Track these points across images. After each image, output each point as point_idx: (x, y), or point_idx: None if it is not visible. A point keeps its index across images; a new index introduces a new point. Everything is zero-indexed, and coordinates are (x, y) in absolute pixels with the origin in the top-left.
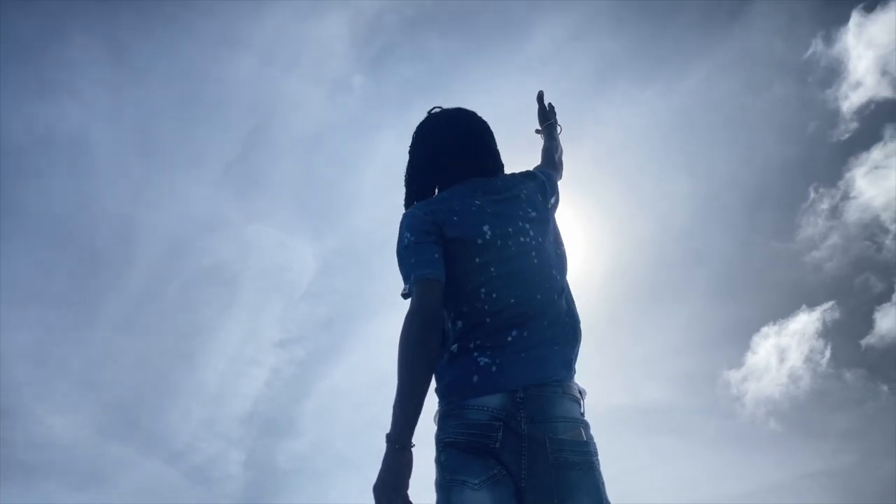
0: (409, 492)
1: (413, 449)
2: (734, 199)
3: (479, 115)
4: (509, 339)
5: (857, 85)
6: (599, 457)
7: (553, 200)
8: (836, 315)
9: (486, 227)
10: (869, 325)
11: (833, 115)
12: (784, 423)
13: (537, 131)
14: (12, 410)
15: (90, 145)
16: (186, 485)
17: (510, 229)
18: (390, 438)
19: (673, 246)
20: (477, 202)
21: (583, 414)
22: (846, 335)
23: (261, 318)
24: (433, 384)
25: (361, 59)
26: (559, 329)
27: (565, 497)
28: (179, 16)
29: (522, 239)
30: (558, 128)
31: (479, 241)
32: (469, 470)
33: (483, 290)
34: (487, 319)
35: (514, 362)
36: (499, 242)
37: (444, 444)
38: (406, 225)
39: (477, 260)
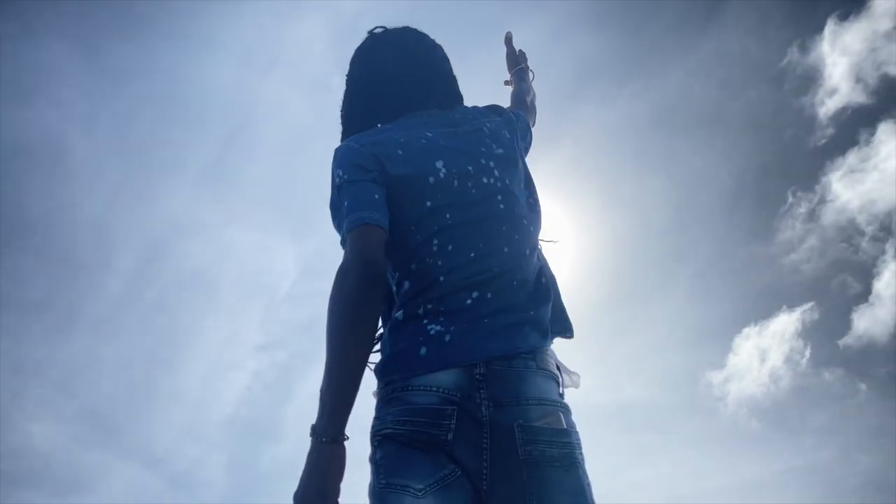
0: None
1: (347, 443)
2: (712, 198)
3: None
4: (468, 301)
5: (833, 91)
6: (583, 450)
7: (524, 144)
8: (816, 316)
9: (439, 164)
10: (847, 325)
11: (810, 122)
12: (765, 422)
13: (506, 82)
14: None
15: (66, 149)
16: (168, 490)
17: (470, 167)
18: (316, 430)
19: (652, 245)
20: (428, 134)
21: (562, 395)
22: (825, 335)
23: (241, 322)
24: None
25: (340, 60)
26: (531, 289)
27: (541, 502)
28: (155, 18)
29: (486, 179)
30: (530, 73)
31: (431, 180)
32: (412, 471)
33: (436, 241)
34: (441, 278)
35: (473, 330)
36: (456, 183)
37: (381, 438)
38: (337, 161)
39: (428, 204)
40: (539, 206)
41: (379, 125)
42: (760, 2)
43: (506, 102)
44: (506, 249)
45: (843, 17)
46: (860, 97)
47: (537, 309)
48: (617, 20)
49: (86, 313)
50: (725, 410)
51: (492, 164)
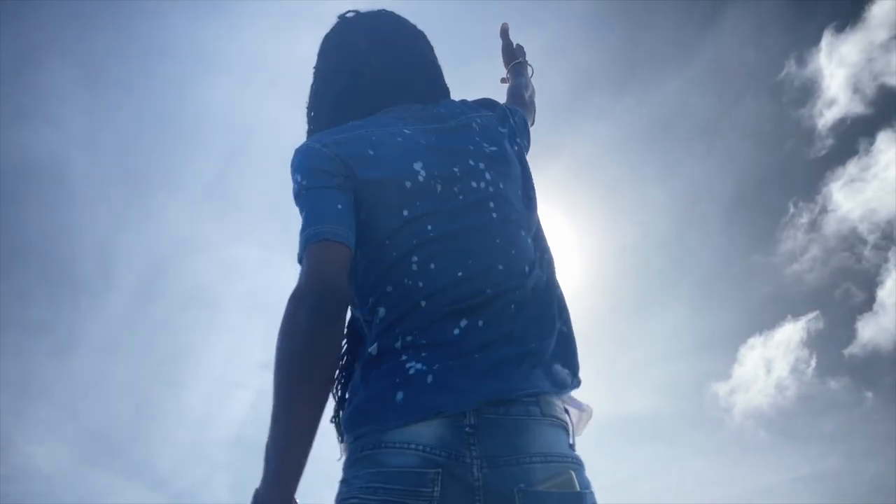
0: None
1: None
2: (713, 208)
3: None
4: (456, 332)
5: (832, 102)
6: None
7: (522, 142)
8: (820, 325)
9: (418, 165)
10: (851, 334)
11: (809, 133)
12: (772, 431)
13: (503, 80)
14: None
15: (68, 170)
16: None
17: (455, 169)
18: (258, 497)
19: (654, 256)
20: (406, 131)
21: (573, 446)
22: (830, 344)
23: (244, 340)
24: (332, 407)
25: None
26: (533, 315)
27: None
28: (155, 38)
29: (474, 183)
30: (529, 68)
31: (408, 185)
32: None
33: (415, 258)
34: (423, 303)
35: (462, 367)
36: (438, 187)
37: None
38: (296, 163)
39: (405, 213)
40: (537, 215)
41: (350, 122)
42: (756, 13)
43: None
44: (500, 267)
45: (840, 29)
46: (858, 107)
47: (542, 340)
48: (612, 32)
49: (89, 333)
50: (732, 421)
51: (482, 164)
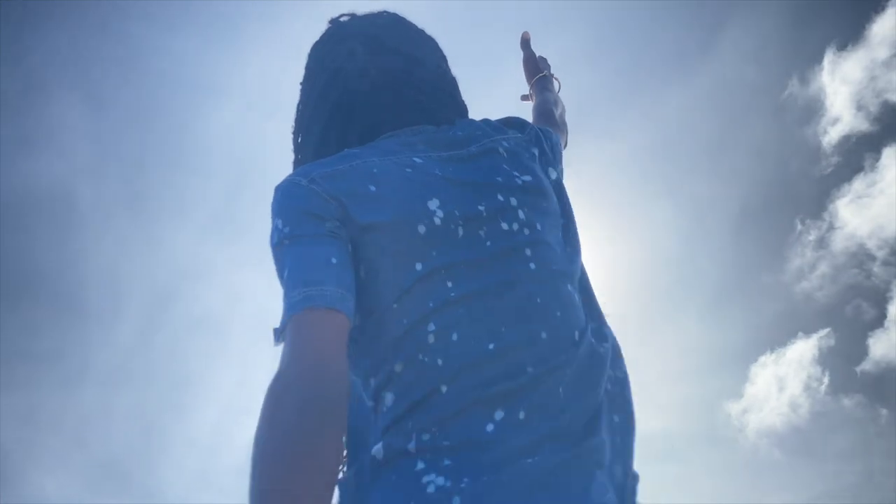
0: None
1: None
2: (719, 225)
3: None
4: (490, 428)
5: (836, 120)
6: None
7: (558, 170)
8: (832, 342)
9: (433, 203)
10: (863, 350)
11: (814, 151)
12: (786, 450)
13: (525, 97)
14: (1, 474)
15: (74, 200)
16: None
17: (481, 207)
18: None
19: (661, 273)
20: (416, 160)
21: None
22: (842, 361)
23: (253, 366)
24: None
25: None
26: (589, 399)
27: None
28: (160, 66)
29: (505, 225)
30: (555, 83)
31: (422, 229)
32: None
33: (432, 326)
34: (443, 388)
35: (500, 485)
36: (460, 232)
37: None
38: (277, 205)
39: (418, 267)
40: (581, 259)
41: (345, 150)
42: (757, 32)
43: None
44: (544, 335)
45: (842, 48)
46: (863, 125)
47: (599, 432)
48: (613, 52)
49: (96, 362)
50: (746, 441)
51: (513, 200)
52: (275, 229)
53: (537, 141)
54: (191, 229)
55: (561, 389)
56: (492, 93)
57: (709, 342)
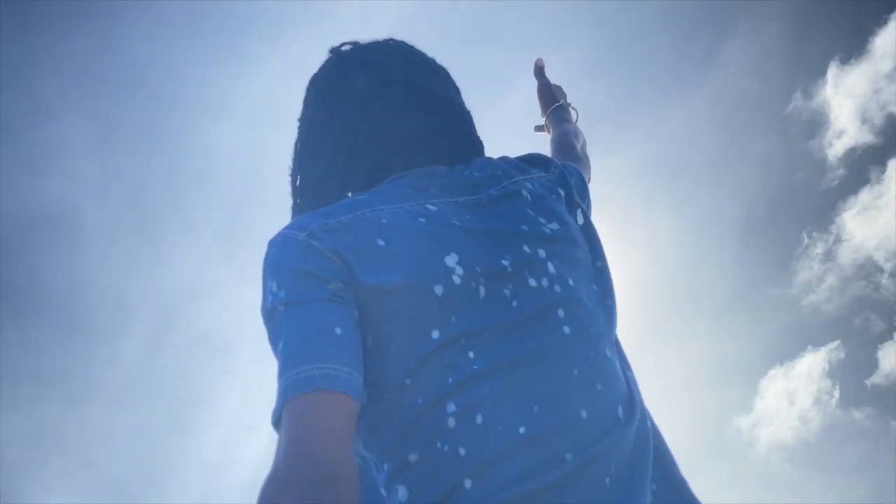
0: None
1: None
2: (725, 238)
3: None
4: None
5: (841, 133)
6: None
7: (586, 212)
8: (842, 355)
9: (451, 259)
10: (873, 363)
11: (820, 165)
12: (797, 464)
13: (539, 128)
14: (6, 495)
15: (80, 220)
16: None
17: (505, 261)
18: None
19: (667, 286)
20: (430, 207)
21: None
22: (853, 374)
23: (258, 383)
24: None
25: None
26: (642, 492)
27: None
28: (164, 86)
29: (534, 281)
30: (573, 112)
31: (439, 291)
32: None
33: (452, 407)
34: (467, 483)
35: None
36: (482, 291)
37: None
38: (271, 264)
39: (435, 335)
40: (616, 321)
41: (349, 195)
42: (758, 45)
43: (512, 149)
44: (584, 414)
45: (845, 61)
46: (868, 137)
47: None
48: (616, 65)
49: (102, 382)
50: (756, 456)
51: (541, 251)
52: (268, 292)
53: (562, 180)
54: (196, 247)
55: (608, 481)
56: (498, 107)
57: (717, 356)
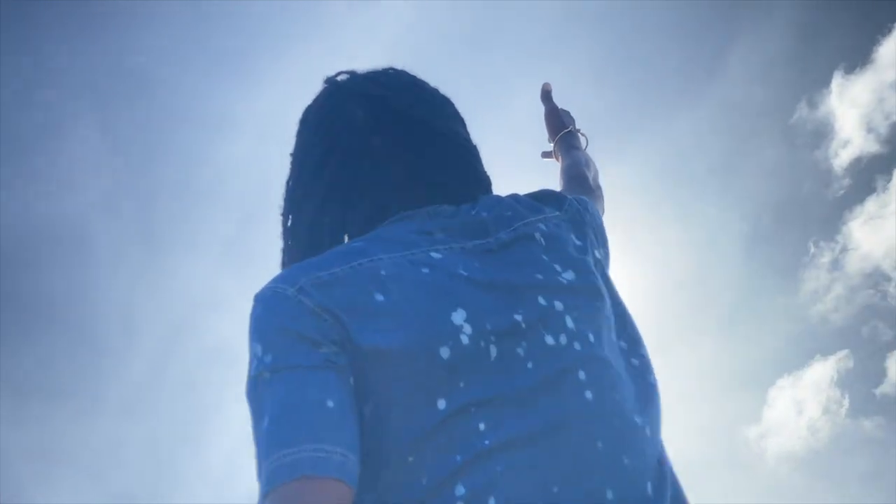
0: None
1: None
2: (731, 247)
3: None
4: None
5: (846, 143)
6: None
7: (604, 253)
8: (850, 364)
9: (458, 316)
10: (882, 373)
11: (825, 174)
12: (807, 474)
13: (546, 154)
14: None
15: (89, 235)
16: None
17: (518, 316)
18: None
19: (673, 296)
20: (434, 255)
21: None
22: (862, 383)
23: None
24: None
25: None
26: None
27: None
28: (172, 100)
29: (551, 338)
30: (582, 139)
31: (446, 354)
32: None
33: (461, 488)
34: None
35: None
36: (493, 352)
37: None
38: (256, 324)
39: (441, 404)
40: (653, 377)
41: (345, 237)
42: (762, 54)
43: (515, 162)
44: (609, 494)
45: (850, 71)
46: (873, 146)
47: None
48: (619, 74)
49: (111, 396)
50: (765, 466)
51: (558, 303)
52: (253, 357)
53: (577, 219)
54: (203, 261)
55: None
56: (502, 114)
57: (725, 365)
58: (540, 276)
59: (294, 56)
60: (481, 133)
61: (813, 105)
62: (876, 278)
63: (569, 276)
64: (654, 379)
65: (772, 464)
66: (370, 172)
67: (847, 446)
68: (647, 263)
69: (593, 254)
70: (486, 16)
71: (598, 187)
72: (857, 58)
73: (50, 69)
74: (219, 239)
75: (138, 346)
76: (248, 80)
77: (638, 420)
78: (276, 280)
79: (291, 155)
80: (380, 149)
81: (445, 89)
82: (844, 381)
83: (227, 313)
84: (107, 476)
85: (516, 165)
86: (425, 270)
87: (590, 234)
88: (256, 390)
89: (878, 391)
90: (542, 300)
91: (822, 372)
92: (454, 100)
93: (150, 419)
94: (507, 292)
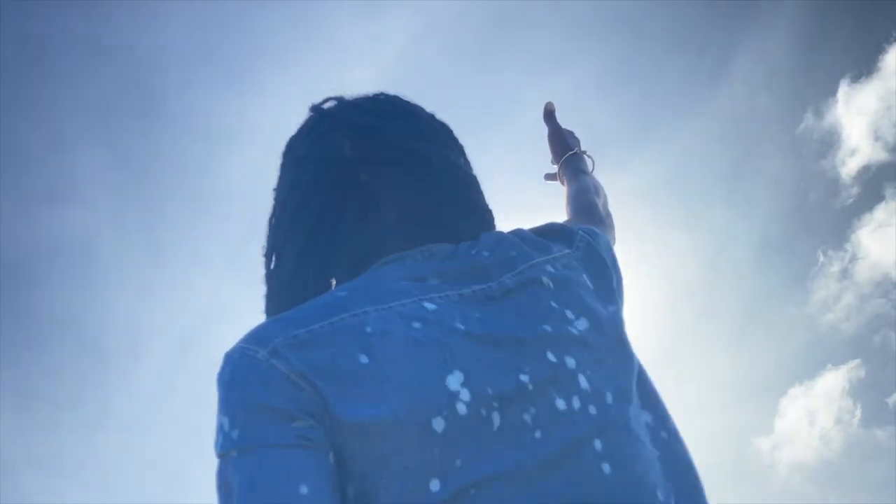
0: None
1: None
2: (739, 257)
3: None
4: None
5: (854, 151)
6: None
7: (619, 294)
8: (862, 373)
9: (454, 380)
10: (894, 382)
11: (833, 183)
12: (819, 485)
13: (549, 176)
14: None
15: (96, 248)
16: None
17: (524, 377)
18: None
19: (682, 307)
20: (428, 305)
21: None
22: (873, 393)
23: None
24: None
25: None
26: None
27: None
28: (178, 115)
29: (562, 402)
30: (589, 161)
31: (440, 426)
32: None
33: None
34: None
35: None
36: (495, 421)
37: None
38: (224, 393)
39: (434, 486)
40: (682, 444)
41: (333, 282)
42: (767, 62)
43: (522, 173)
44: None
45: (856, 79)
46: (881, 154)
47: None
48: (621, 85)
49: (118, 409)
50: (778, 477)
51: (570, 360)
52: (219, 431)
53: (590, 256)
54: (210, 275)
55: None
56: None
57: (735, 376)
58: (549, 328)
59: (300, 67)
60: (487, 145)
61: (819, 114)
62: (886, 287)
63: (581, 324)
64: (683, 448)
65: (785, 474)
66: (359, 210)
67: (860, 456)
68: (657, 274)
69: (608, 296)
70: (491, 28)
71: (609, 215)
72: (864, 66)
73: (55, 86)
74: (225, 251)
75: (145, 359)
76: (254, 92)
77: (661, 496)
78: (247, 339)
79: (274, 190)
80: (369, 184)
81: (450, 102)
82: (856, 391)
83: (233, 325)
84: (113, 488)
85: (523, 177)
86: (417, 325)
87: (603, 272)
88: (224, 470)
89: (891, 400)
90: (551, 356)
91: (834, 382)
92: (458, 115)
93: (156, 431)
94: (512, 348)
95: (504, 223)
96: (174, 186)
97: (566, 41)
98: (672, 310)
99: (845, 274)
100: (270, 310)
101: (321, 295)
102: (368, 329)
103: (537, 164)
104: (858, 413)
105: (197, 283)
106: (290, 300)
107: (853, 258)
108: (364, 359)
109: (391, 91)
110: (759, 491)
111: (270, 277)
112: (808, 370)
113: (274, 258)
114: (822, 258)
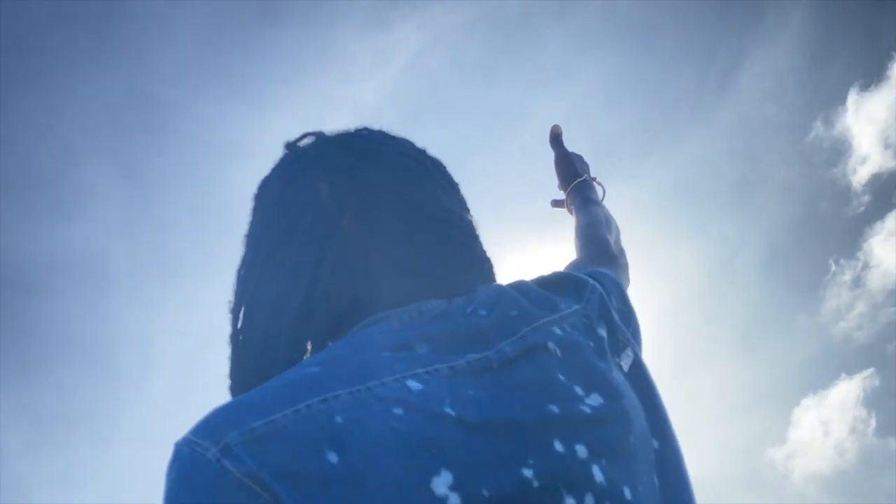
0: None
1: None
2: (749, 265)
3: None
4: None
5: (864, 160)
6: None
7: (636, 351)
8: (876, 382)
9: (441, 483)
10: None
11: (844, 192)
12: (835, 494)
13: (556, 203)
14: None
15: (106, 263)
16: None
17: (528, 471)
18: None
19: (691, 315)
20: (412, 385)
21: None
22: (889, 402)
23: None
24: None
25: None
26: None
27: None
28: (186, 129)
29: (572, 502)
30: (599, 189)
31: None
32: None
33: None
34: None
35: None
36: None
37: None
38: (170, 494)
39: None
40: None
41: (308, 346)
42: (774, 70)
43: (530, 187)
44: None
45: (865, 87)
46: (891, 163)
47: None
48: (629, 96)
49: (129, 423)
50: (793, 487)
51: (582, 448)
52: None
53: (602, 311)
54: (219, 288)
55: None
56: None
57: (747, 386)
58: (555, 409)
59: (308, 81)
60: (494, 160)
61: (829, 122)
62: None
63: (594, 401)
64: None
65: (799, 485)
66: (338, 263)
67: (875, 466)
68: (667, 284)
69: (622, 352)
70: (497, 40)
71: (622, 253)
72: (872, 74)
73: (66, 101)
74: (235, 264)
75: (156, 373)
76: (263, 105)
77: None
78: (198, 430)
79: (245, 237)
80: (350, 232)
81: (457, 115)
82: (871, 400)
83: None
84: (123, 502)
85: (531, 190)
86: (398, 412)
87: (618, 327)
88: None
89: None
90: (559, 446)
91: (848, 391)
92: (465, 128)
93: (168, 445)
94: (512, 435)
95: (511, 239)
96: (183, 200)
97: (573, 52)
98: (683, 320)
99: (857, 282)
100: (235, 381)
101: (291, 369)
102: (339, 419)
103: (545, 177)
104: (873, 423)
105: (207, 297)
106: (259, 368)
107: (865, 267)
108: (333, 458)
109: (383, 118)
110: (774, 501)
111: (236, 339)
112: (822, 380)
113: (242, 314)
114: (833, 267)
